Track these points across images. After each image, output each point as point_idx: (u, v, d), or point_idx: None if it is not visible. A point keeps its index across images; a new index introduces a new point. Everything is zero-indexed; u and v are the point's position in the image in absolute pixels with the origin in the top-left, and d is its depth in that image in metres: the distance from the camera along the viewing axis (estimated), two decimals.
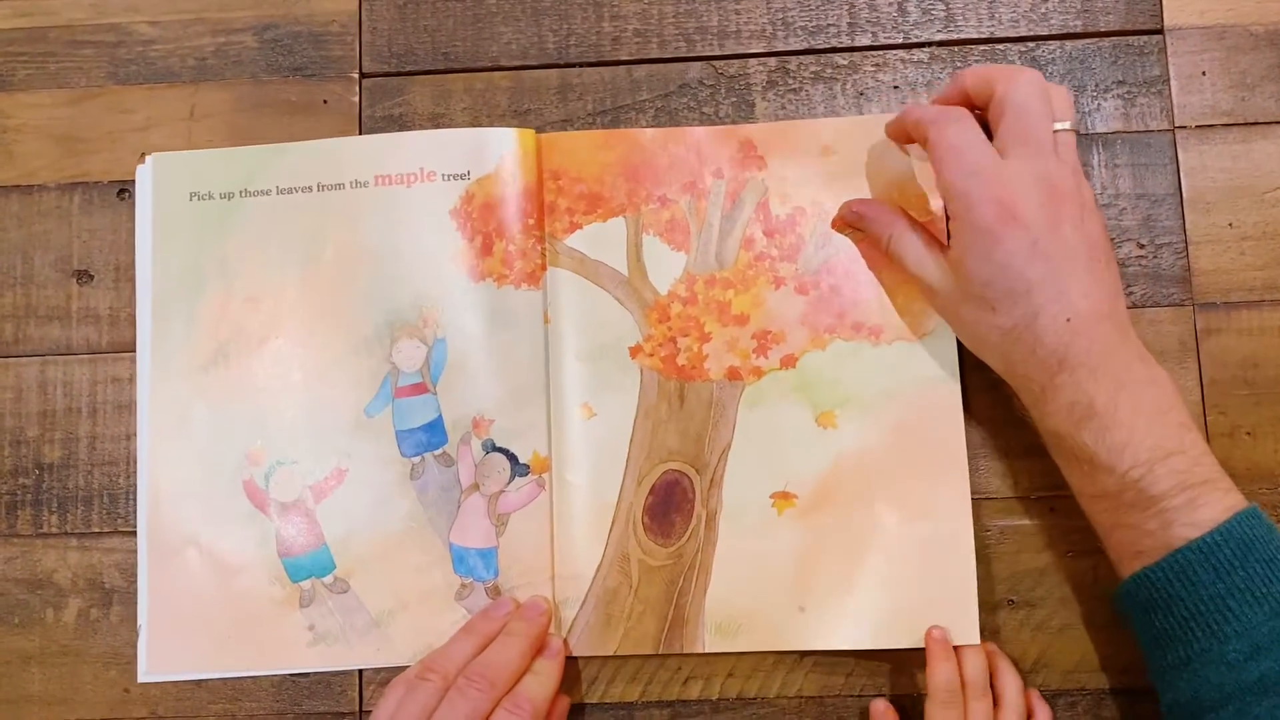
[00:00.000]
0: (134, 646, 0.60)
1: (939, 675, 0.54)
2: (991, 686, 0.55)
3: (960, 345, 0.57)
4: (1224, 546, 0.47)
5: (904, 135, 0.57)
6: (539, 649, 0.55)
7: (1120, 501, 0.49)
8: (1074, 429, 0.50)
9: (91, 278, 0.63)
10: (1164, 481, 0.48)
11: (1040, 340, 0.50)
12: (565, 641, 0.58)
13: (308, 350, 0.61)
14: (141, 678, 0.59)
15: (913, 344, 0.58)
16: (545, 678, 0.54)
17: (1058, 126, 0.52)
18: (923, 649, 0.56)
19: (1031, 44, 0.62)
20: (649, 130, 0.61)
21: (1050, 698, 0.57)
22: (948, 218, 0.53)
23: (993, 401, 0.59)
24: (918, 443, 0.57)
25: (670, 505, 0.58)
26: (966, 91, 0.54)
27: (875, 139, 0.60)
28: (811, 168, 0.60)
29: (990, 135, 0.52)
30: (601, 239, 0.60)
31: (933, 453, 0.57)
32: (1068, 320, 0.50)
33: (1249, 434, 0.58)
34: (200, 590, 0.59)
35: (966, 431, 0.58)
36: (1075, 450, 0.50)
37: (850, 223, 0.59)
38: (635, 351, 0.59)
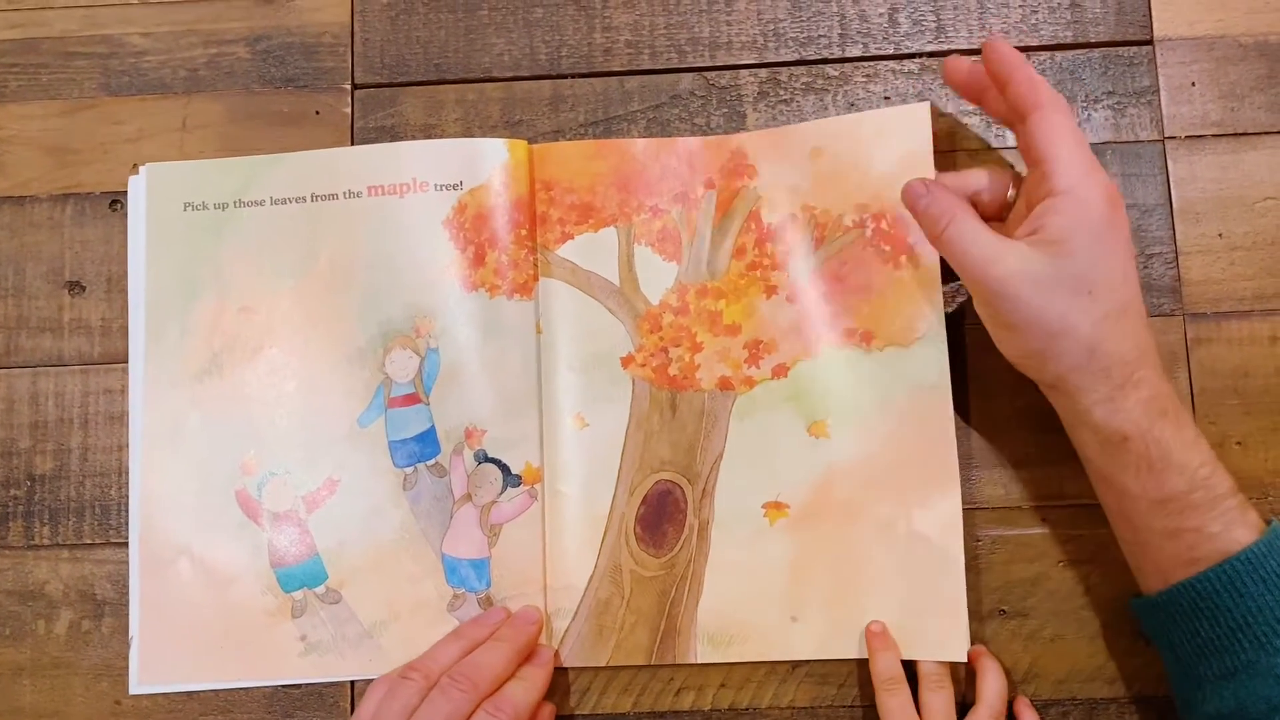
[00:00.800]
0: (126, 658, 0.59)
1: (879, 663, 0.55)
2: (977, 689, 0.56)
3: (952, 352, 0.57)
4: (1269, 558, 0.47)
5: (998, 80, 0.54)
6: (528, 657, 0.56)
7: (1188, 503, 0.48)
8: (1150, 425, 0.49)
9: (83, 289, 0.63)
10: (1225, 480, 0.49)
11: (1129, 331, 0.50)
12: (557, 653, 0.57)
13: (301, 360, 0.61)
14: (133, 689, 0.59)
15: (904, 349, 0.58)
16: (530, 684, 0.54)
17: None
18: (914, 661, 0.56)
19: (1022, 54, 0.62)
20: (640, 140, 0.62)
21: (1041, 708, 0.57)
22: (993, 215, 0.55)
23: (985, 411, 0.59)
24: (909, 452, 0.57)
25: (662, 516, 0.58)
26: (1003, 80, 0.54)
27: (864, 138, 0.59)
28: (802, 171, 0.60)
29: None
30: (593, 249, 0.60)
31: (924, 461, 0.57)
32: (1145, 316, 0.51)
33: (1239, 443, 0.58)
34: (192, 601, 0.59)
35: (959, 441, 0.57)
36: (1148, 448, 0.49)
37: (907, 203, 0.54)
38: (627, 362, 0.59)
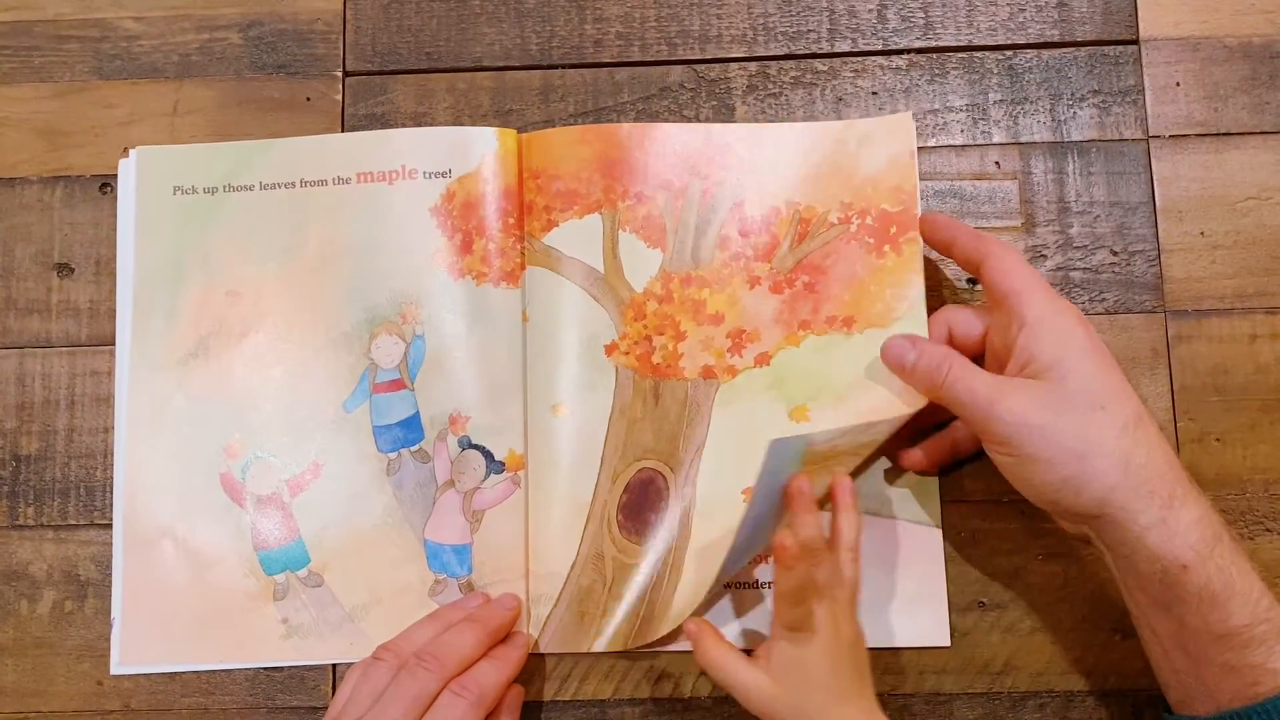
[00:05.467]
0: (108, 640, 0.60)
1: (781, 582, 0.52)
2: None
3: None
4: None
5: (943, 244, 0.56)
6: (502, 640, 0.56)
7: (1251, 637, 0.46)
8: (1210, 551, 0.47)
9: (72, 271, 0.63)
10: (1275, 605, 0.47)
11: (1153, 441, 0.48)
12: (536, 640, 0.58)
13: (287, 345, 0.61)
14: (114, 670, 0.59)
15: (883, 330, 0.58)
16: (501, 663, 0.54)
17: None
18: (896, 648, 0.57)
19: (1009, 53, 0.63)
20: (626, 125, 0.62)
21: (1019, 700, 0.57)
22: (988, 353, 0.54)
23: None
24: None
25: (644, 503, 0.58)
26: (948, 243, 0.55)
27: (850, 143, 0.60)
28: (788, 169, 0.60)
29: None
30: (578, 235, 0.60)
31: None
32: (1159, 428, 0.50)
33: (1218, 440, 0.59)
34: (175, 582, 0.59)
35: None
36: (1209, 578, 0.46)
37: (893, 363, 0.54)
38: (611, 349, 0.60)
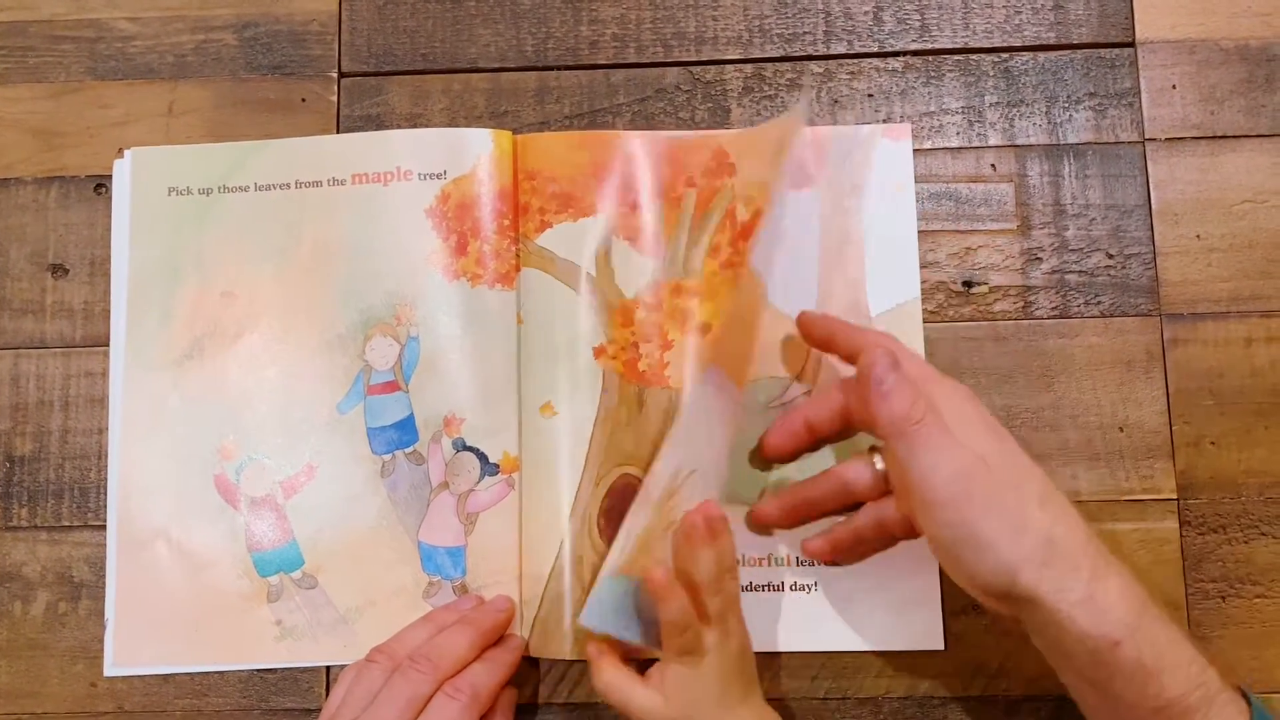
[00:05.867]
0: (101, 640, 0.59)
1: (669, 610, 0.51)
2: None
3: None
4: None
5: (821, 341, 0.55)
6: (496, 642, 0.55)
7: (1187, 705, 0.45)
8: (1138, 622, 0.45)
9: (67, 272, 0.63)
10: (1212, 670, 0.46)
11: (1069, 512, 0.48)
12: (529, 642, 0.57)
13: (282, 346, 0.61)
14: (108, 671, 0.59)
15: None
16: (494, 665, 0.54)
17: None
18: (890, 651, 0.57)
19: (1005, 55, 0.62)
20: (623, 133, 0.62)
21: (1012, 705, 0.57)
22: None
23: None
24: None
25: (624, 509, 0.56)
26: (827, 339, 0.55)
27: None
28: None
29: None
30: (571, 238, 0.60)
31: None
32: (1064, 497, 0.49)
33: (1213, 443, 0.59)
34: (169, 583, 0.59)
35: None
36: (1140, 652, 0.45)
37: (866, 375, 0.49)
38: (599, 353, 0.59)
